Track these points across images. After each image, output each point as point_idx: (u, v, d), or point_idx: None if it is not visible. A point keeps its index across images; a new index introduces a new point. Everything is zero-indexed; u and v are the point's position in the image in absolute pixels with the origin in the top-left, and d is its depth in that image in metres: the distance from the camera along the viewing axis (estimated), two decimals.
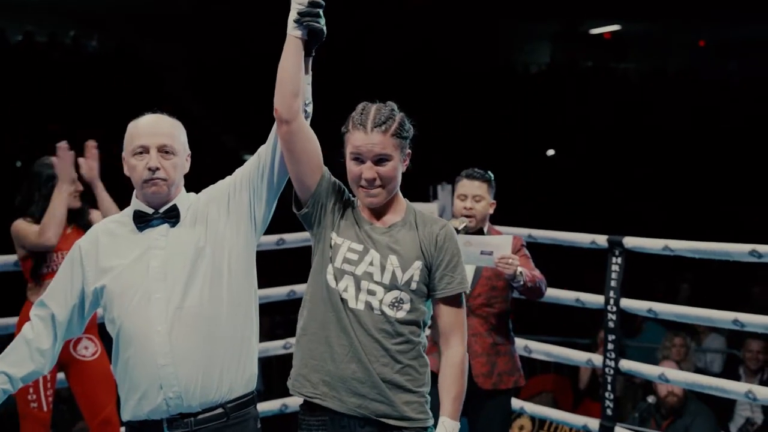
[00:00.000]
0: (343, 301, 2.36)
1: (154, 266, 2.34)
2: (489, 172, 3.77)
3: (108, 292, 2.36)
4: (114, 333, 2.38)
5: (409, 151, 2.43)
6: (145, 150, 2.35)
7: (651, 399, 5.13)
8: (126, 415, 2.39)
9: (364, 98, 2.46)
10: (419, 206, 2.55)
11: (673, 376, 4.23)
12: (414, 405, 2.38)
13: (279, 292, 4.66)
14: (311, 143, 2.40)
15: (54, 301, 2.41)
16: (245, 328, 2.42)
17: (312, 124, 2.46)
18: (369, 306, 2.35)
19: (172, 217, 2.39)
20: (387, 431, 2.36)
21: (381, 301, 2.35)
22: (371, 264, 2.36)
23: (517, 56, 16.32)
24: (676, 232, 4.47)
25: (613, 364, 4.34)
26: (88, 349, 3.79)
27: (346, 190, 2.48)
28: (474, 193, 3.68)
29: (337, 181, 2.47)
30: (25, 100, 11.31)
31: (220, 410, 2.35)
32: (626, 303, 4.32)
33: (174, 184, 2.40)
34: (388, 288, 2.36)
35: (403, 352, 2.37)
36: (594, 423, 4.50)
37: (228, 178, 2.50)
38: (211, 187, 2.50)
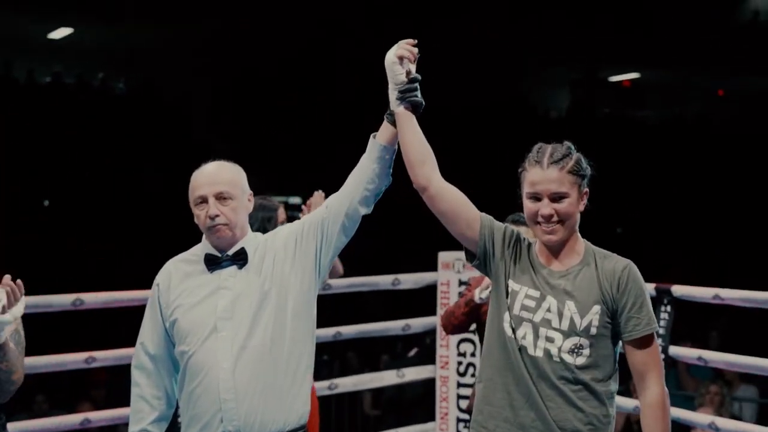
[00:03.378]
0: (522, 348, 2.36)
1: (222, 306, 2.48)
2: None
3: (178, 327, 2.50)
4: (182, 365, 2.51)
5: (587, 189, 2.42)
6: (204, 200, 2.50)
7: None
8: None
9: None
10: None
11: (723, 425, 4.23)
12: None
13: (325, 333, 4.72)
14: (456, 199, 2.43)
15: (148, 341, 2.57)
16: (302, 367, 2.54)
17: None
18: (548, 353, 2.34)
19: (241, 259, 2.52)
20: None
21: (560, 348, 2.34)
22: (549, 311, 2.36)
23: (537, 101, 16.45)
24: (695, 281, 4.51)
25: None
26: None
27: (517, 232, 2.49)
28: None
29: (505, 225, 2.49)
30: (54, 141, 11.44)
31: None
32: (675, 350, 4.35)
33: (237, 226, 2.52)
34: (567, 334, 2.34)
35: (584, 400, 2.34)
36: None
37: (296, 223, 2.62)
38: (278, 229, 2.64)
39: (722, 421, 4.31)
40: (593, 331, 2.33)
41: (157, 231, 10.42)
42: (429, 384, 5.39)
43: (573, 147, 2.43)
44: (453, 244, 5.49)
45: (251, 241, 2.55)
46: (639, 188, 13.90)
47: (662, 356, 4.29)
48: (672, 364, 6.39)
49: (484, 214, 2.47)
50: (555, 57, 15.10)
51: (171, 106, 13.39)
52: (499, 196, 3.33)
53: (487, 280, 3.44)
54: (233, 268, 2.51)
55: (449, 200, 2.42)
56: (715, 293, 4.15)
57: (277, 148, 13.08)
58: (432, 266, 5.26)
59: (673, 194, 13.80)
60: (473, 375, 5.01)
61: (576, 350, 2.33)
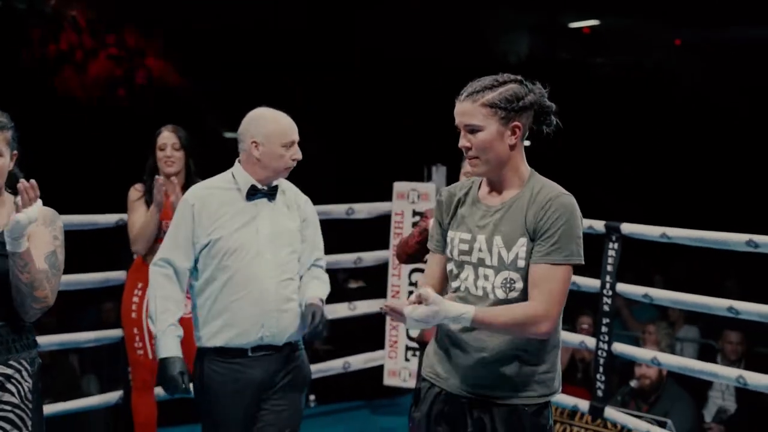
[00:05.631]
0: (467, 289, 2.42)
1: (264, 232, 3.03)
2: None
3: (221, 246, 2.98)
4: (223, 278, 2.98)
5: (517, 123, 2.37)
6: (293, 143, 3.06)
7: (633, 383, 5.24)
8: (217, 342, 3.00)
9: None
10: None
11: (665, 360, 4.35)
12: (530, 383, 2.38)
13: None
14: (434, 273, 2.55)
15: (177, 256, 3.01)
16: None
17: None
18: (485, 291, 2.38)
19: (273, 194, 3.10)
20: (501, 407, 2.38)
21: (493, 285, 2.37)
22: (480, 250, 2.39)
23: (496, 46, 16.42)
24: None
25: (606, 347, 4.45)
26: (189, 306, 4.01)
27: (448, 191, 2.56)
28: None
29: (437, 220, 2.55)
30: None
31: (293, 346, 3.10)
32: (622, 287, 4.44)
33: None
34: (498, 270, 2.37)
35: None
36: (583, 403, 4.61)
37: (311, 211, 3.24)
38: (299, 191, 3.25)
39: (664, 356, 4.43)
40: (521, 263, 2.35)
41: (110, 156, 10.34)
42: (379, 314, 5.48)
43: (506, 80, 2.40)
44: (408, 175, 5.55)
45: (283, 183, 3.16)
46: (597, 135, 14.04)
47: (609, 293, 4.41)
48: (617, 311, 6.55)
49: (433, 245, 2.55)
50: (516, 1, 15.07)
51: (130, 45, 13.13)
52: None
53: None
54: (265, 200, 3.07)
55: (438, 278, 2.53)
56: (662, 232, 4.25)
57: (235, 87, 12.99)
58: (387, 197, 5.29)
59: (628, 141, 13.96)
60: None
61: (508, 285, 2.35)
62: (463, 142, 2.39)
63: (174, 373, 2.94)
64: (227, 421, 3.01)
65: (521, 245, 2.34)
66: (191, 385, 3.07)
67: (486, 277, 2.37)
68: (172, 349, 2.96)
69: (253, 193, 3.05)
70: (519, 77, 2.43)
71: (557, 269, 2.30)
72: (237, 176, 3.07)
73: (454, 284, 2.46)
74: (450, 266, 2.47)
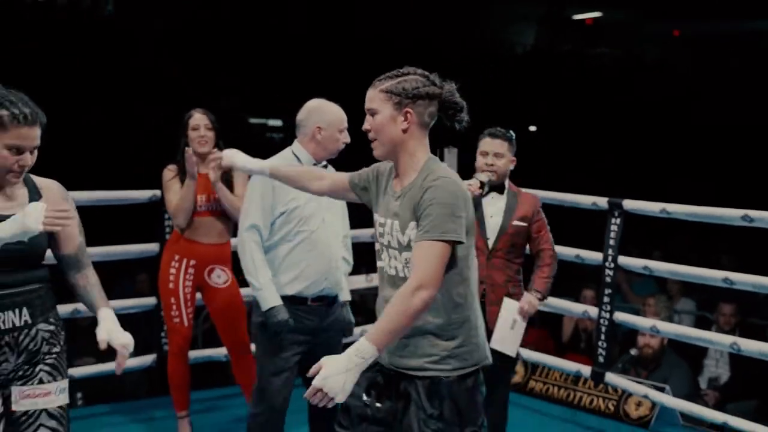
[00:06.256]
0: (384, 269, 2.64)
1: (324, 202, 3.58)
2: (510, 132, 3.98)
3: (298, 213, 3.56)
4: (298, 239, 3.57)
5: (408, 110, 2.54)
6: (344, 130, 3.62)
7: (634, 351, 5.46)
8: (289, 291, 3.59)
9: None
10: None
11: (663, 328, 4.63)
12: (445, 357, 2.54)
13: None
14: (335, 183, 2.89)
15: (262, 223, 3.57)
16: None
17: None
18: (396, 270, 2.59)
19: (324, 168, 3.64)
20: (421, 380, 2.56)
21: (403, 265, 2.57)
22: (390, 234, 2.60)
23: (505, 37, 16.60)
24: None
25: (608, 315, 4.71)
26: (221, 278, 4.38)
27: (376, 168, 2.75)
28: (495, 150, 3.88)
29: (366, 173, 2.78)
30: None
31: (336, 298, 3.75)
32: (623, 260, 4.69)
33: None
34: (400, 251, 2.57)
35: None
36: (586, 369, 4.86)
37: None
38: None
39: (663, 324, 4.71)
40: (413, 245, 2.50)
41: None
42: None
43: (408, 72, 2.57)
44: None
45: None
46: (598, 121, 14.27)
47: (611, 265, 4.68)
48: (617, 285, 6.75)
49: (351, 174, 2.79)
50: None
51: (121, 27, 13.25)
52: (473, 119, 3.58)
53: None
54: None
55: (333, 189, 2.89)
56: (662, 207, 4.48)
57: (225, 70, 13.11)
58: None
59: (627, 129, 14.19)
60: None
61: (408, 265, 2.54)
62: (365, 125, 2.60)
63: (285, 317, 3.53)
64: (286, 350, 3.60)
65: (412, 228, 2.51)
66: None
67: (395, 258, 2.57)
68: (276, 299, 3.55)
69: None
70: (426, 72, 2.58)
71: (433, 245, 2.43)
72: (300, 155, 3.63)
73: (379, 264, 2.66)
74: (376, 246, 2.68)
